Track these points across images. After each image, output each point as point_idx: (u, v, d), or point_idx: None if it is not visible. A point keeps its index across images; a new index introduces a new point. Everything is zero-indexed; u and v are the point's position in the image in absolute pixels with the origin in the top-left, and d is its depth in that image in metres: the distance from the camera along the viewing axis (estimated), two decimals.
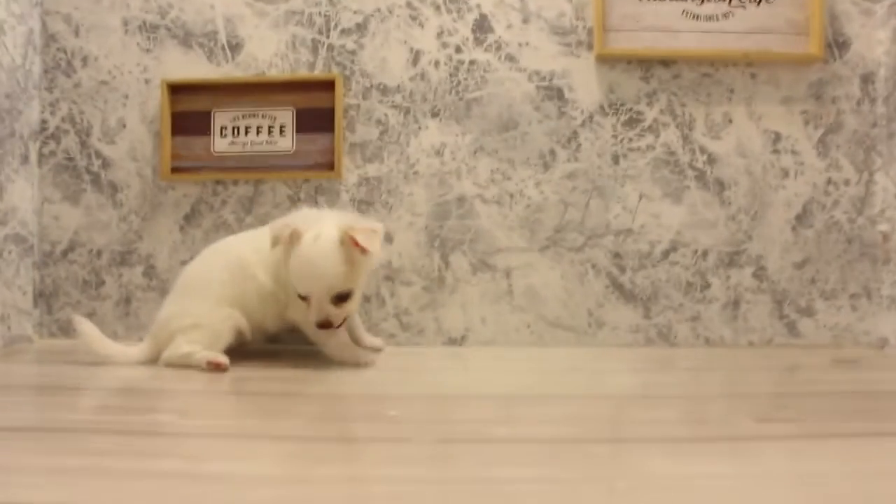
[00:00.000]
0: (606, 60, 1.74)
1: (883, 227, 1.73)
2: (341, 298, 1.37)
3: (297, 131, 1.75)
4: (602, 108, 1.74)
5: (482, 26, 1.75)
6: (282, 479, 0.72)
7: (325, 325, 1.37)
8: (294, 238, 1.36)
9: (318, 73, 1.75)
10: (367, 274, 1.47)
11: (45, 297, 1.79)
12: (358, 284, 1.40)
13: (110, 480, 0.70)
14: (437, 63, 1.75)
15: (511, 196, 1.74)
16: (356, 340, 1.61)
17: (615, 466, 0.75)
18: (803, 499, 0.65)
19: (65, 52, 1.79)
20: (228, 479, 0.72)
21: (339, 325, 1.40)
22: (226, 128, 1.76)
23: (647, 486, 0.68)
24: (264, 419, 0.99)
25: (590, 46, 1.74)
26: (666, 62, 1.74)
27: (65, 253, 1.78)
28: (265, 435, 0.89)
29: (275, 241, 1.38)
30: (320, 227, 1.37)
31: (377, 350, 1.66)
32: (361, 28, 1.76)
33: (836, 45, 1.74)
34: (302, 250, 1.35)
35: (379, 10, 1.76)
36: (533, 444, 0.84)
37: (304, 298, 1.38)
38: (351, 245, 1.35)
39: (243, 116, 1.76)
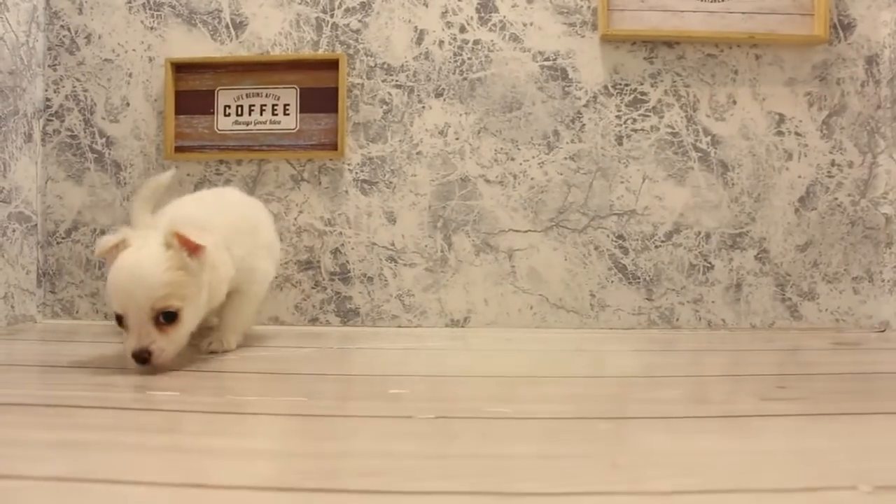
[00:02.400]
0: (611, 41, 1.73)
1: (886, 209, 1.73)
2: (168, 318, 1.09)
3: (301, 111, 1.75)
4: (606, 88, 1.74)
5: (486, 6, 1.75)
6: (281, 453, 0.72)
7: (141, 358, 1.08)
8: (121, 248, 1.13)
9: (322, 52, 1.75)
10: (205, 291, 1.17)
11: (48, 276, 1.80)
12: (191, 300, 1.13)
13: (112, 454, 0.70)
14: (441, 42, 1.74)
15: (514, 177, 1.74)
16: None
17: (617, 443, 0.75)
18: (803, 474, 0.65)
19: (68, 30, 1.79)
20: (228, 453, 0.73)
21: (161, 362, 1.10)
22: (229, 107, 1.76)
23: (649, 462, 0.68)
24: (264, 397, 0.99)
25: (594, 26, 1.74)
26: (670, 43, 1.73)
27: (68, 232, 1.79)
28: (265, 412, 0.89)
29: (99, 255, 1.15)
30: (153, 233, 1.15)
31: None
32: (366, 7, 1.76)
33: (842, 26, 1.73)
34: (119, 262, 1.10)
35: None
36: (534, 422, 0.84)
37: (120, 322, 1.10)
38: (179, 246, 1.12)
39: (247, 95, 1.76)
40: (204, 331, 1.32)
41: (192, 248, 1.13)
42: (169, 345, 1.11)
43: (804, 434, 0.80)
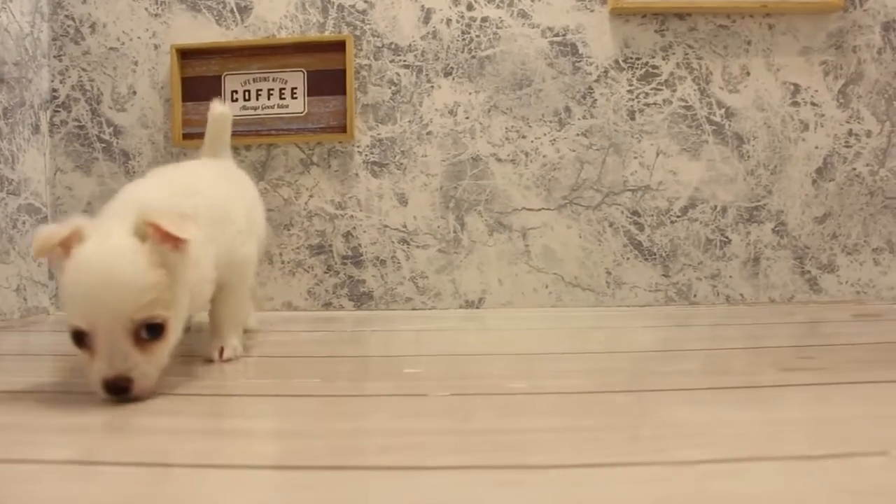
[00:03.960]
0: (621, 14, 1.71)
1: None
2: (152, 332, 0.83)
3: (309, 94, 1.73)
4: (617, 62, 1.71)
5: None
6: (297, 433, 0.70)
7: (119, 388, 0.81)
8: (74, 242, 0.83)
9: (329, 34, 1.73)
10: (188, 296, 0.91)
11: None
12: (177, 309, 0.87)
13: (126, 436, 0.69)
14: (448, 21, 1.72)
15: (526, 154, 1.72)
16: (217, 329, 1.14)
17: (637, 415, 0.73)
18: (831, 441, 0.63)
19: (73, 19, 1.77)
20: (242, 434, 0.72)
21: (143, 390, 0.83)
22: (236, 92, 1.74)
23: (671, 432, 0.67)
24: (277, 379, 0.98)
25: (604, 0, 1.71)
26: (681, 14, 1.71)
27: None
28: (279, 394, 0.88)
29: (39, 252, 0.84)
30: (116, 223, 0.87)
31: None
32: None
33: None
34: (79, 259, 0.82)
35: None
36: (551, 396, 0.83)
37: (81, 341, 0.82)
38: (156, 239, 0.84)
39: (254, 80, 1.74)
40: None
41: (173, 242, 0.85)
42: (152, 368, 0.84)
43: (828, 402, 0.78)
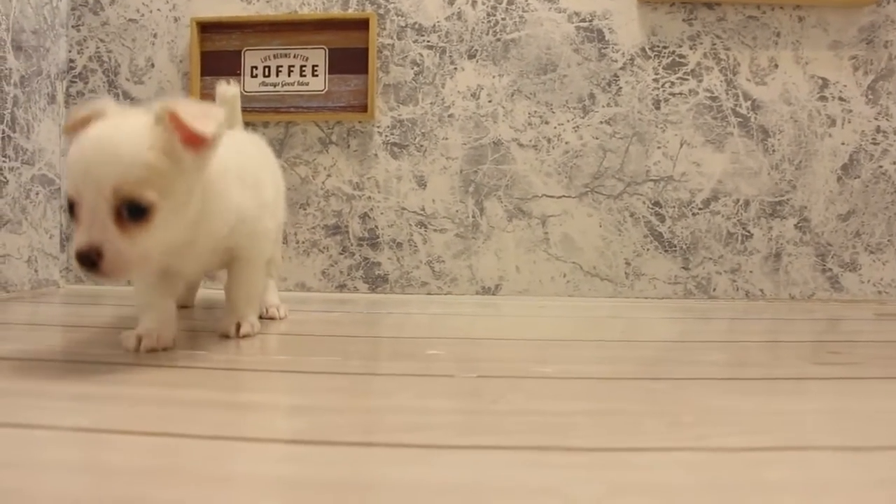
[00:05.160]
0: (649, 2, 1.68)
1: None
2: (134, 214, 0.79)
3: (330, 72, 1.70)
4: (644, 50, 1.68)
5: None
6: (319, 408, 0.68)
7: (88, 260, 0.78)
8: (94, 119, 0.83)
9: (352, 11, 1.70)
10: (195, 205, 0.87)
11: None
12: (173, 202, 0.82)
13: (139, 406, 0.67)
14: (474, 2, 1.69)
15: (548, 140, 1.69)
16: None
17: (675, 401, 0.71)
18: (882, 433, 0.60)
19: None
20: (260, 407, 0.69)
21: (114, 268, 0.79)
22: (256, 68, 1.72)
23: (712, 419, 0.64)
24: (296, 356, 0.95)
25: None
26: (710, 4, 1.68)
27: None
28: (299, 370, 0.85)
29: (67, 129, 0.85)
30: (142, 110, 0.85)
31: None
32: None
33: None
34: (87, 132, 0.81)
35: None
36: (583, 381, 0.80)
37: (72, 213, 0.81)
38: (171, 127, 0.82)
39: (274, 56, 1.71)
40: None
41: (190, 138, 0.82)
42: (128, 249, 0.79)
43: (867, 395, 0.76)
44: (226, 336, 1.04)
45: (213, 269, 1.16)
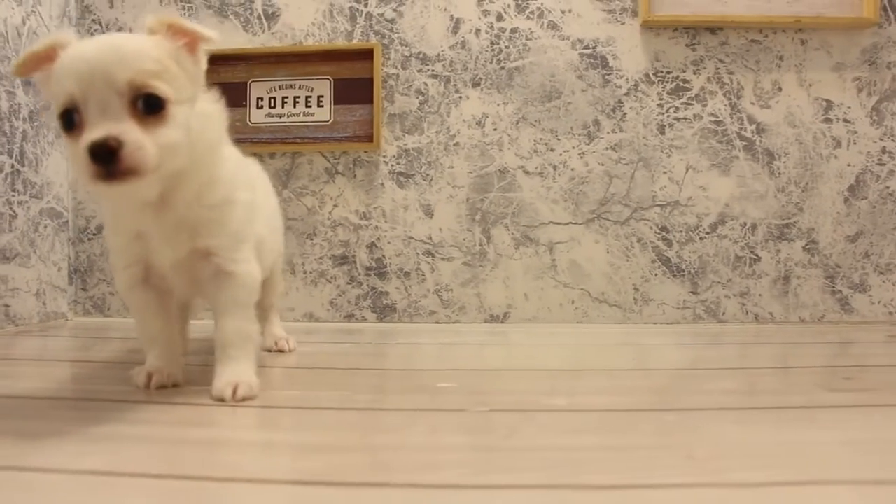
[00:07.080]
0: (652, 27, 1.68)
1: None
2: (151, 107, 0.76)
3: (335, 102, 1.71)
4: (647, 76, 1.69)
5: None
6: (334, 447, 0.68)
7: (105, 150, 0.72)
8: (58, 50, 0.79)
9: (357, 42, 1.71)
10: (195, 98, 0.85)
11: (79, 273, 1.77)
12: (182, 100, 0.79)
13: (152, 447, 0.67)
14: (477, 31, 1.70)
15: (554, 167, 1.69)
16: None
17: (688, 434, 0.71)
18: (894, 463, 0.60)
19: (100, 24, 1.76)
20: (271, 447, 0.69)
21: (137, 163, 0.74)
22: (262, 99, 1.72)
23: (727, 453, 0.64)
24: (305, 391, 0.95)
25: (634, 13, 1.69)
26: (713, 28, 1.68)
27: (100, 228, 1.76)
28: (308, 406, 0.85)
29: (25, 63, 0.82)
30: None
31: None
32: None
33: (892, 7, 1.67)
34: (75, 46, 0.78)
35: None
36: (595, 413, 0.80)
37: (70, 123, 0.76)
38: (171, 35, 0.82)
39: (280, 87, 1.72)
40: None
41: (191, 41, 0.83)
42: (149, 142, 0.75)
43: (890, 424, 0.75)
44: (221, 400, 0.85)
45: (194, 289, 0.98)
